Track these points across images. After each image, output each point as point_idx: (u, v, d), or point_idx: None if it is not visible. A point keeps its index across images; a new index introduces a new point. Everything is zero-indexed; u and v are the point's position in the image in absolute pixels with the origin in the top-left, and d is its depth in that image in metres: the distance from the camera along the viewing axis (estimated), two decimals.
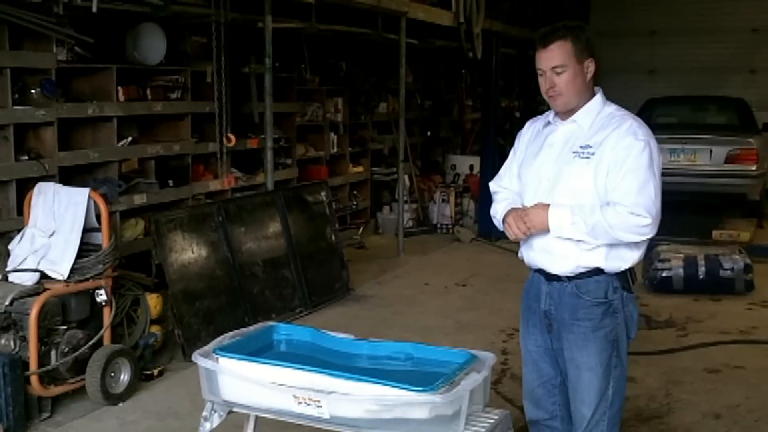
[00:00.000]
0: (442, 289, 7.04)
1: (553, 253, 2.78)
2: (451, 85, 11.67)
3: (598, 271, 2.75)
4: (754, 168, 9.59)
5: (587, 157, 2.69)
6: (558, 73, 2.71)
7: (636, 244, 2.74)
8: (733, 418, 4.29)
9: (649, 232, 2.67)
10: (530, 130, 2.97)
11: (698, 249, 7.13)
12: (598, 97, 2.80)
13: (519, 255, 3.00)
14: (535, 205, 2.76)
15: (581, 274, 2.75)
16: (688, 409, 4.40)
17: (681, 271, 6.76)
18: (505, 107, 11.23)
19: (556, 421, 2.95)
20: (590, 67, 2.76)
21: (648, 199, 2.64)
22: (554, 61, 2.71)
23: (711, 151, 9.65)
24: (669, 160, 9.59)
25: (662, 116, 10.90)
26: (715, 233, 8.68)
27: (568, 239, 2.71)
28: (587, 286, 2.75)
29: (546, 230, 2.72)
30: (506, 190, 3.02)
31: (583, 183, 2.69)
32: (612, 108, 2.80)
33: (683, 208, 8.41)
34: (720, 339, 5.63)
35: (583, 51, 2.74)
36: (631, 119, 2.74)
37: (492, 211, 3.02)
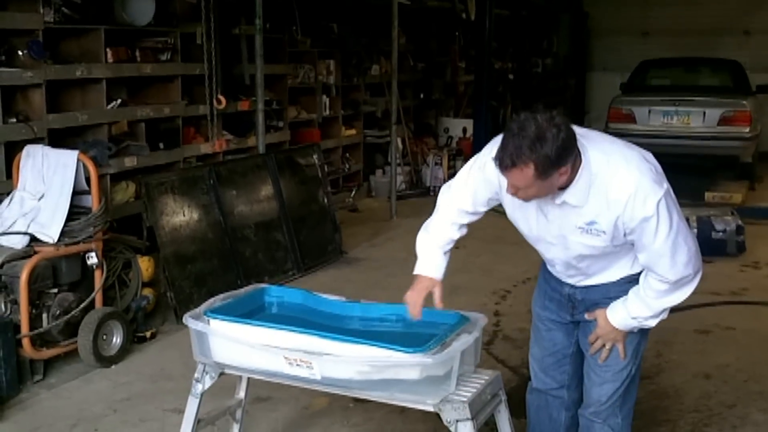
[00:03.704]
0: None
1: (583, 281, 2.70)
2: (444, 47, 11.55)
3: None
4: (747, 130, 9.58)
5: (597, 235, 2.46)
6: (522, 188, 2.37)
7: None
8: (723, 377, 4.33)
9: (698, 277, 2.54)
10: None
11: (690, 211, 7.14)
12: (584, 169, 2.38)
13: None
14: (598, 320, 2.63)
15: None
16: (678, 369, 4.44)
17: None
18: (499, 69, 11.15)
19: (562, 390, 2.90)
20: (563, 175, 2.34)
21: (683, 259, 2.45)
22: (513, 182, 2.36)
23: (704, 113, 9.62)
24: (662, 122, 9.58)
25: (656, 78, 10.86)
26: (708, 195, 8.70)
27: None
28: None
29: (623, 333, 2.63)
30: (453, 214, 2.69)
31: (599, 248, 2.51)
32: (599, 164, 2.38)
33: (676, 170, 8.36)
34: (711, 300, 5.65)
35: (549, 169, 2.29)
36: (632, 183, 2.35)
37: (421, 236, 2.71)
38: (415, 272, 2.73)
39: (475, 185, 2.65)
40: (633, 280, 2.61)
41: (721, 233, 6.84)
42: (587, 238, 2.48)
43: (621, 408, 2.76)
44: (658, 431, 3.72)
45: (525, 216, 2.59)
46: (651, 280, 2.52)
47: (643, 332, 2.71)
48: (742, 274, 6.42)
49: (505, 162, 2.31)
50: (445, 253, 2.72)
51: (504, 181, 2.45)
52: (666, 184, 2.42)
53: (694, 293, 5.90)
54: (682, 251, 2.43)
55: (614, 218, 2.41)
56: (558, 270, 2.73)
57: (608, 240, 2.46)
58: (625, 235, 2.44)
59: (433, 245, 2.72)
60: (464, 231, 2.77)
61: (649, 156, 2.49)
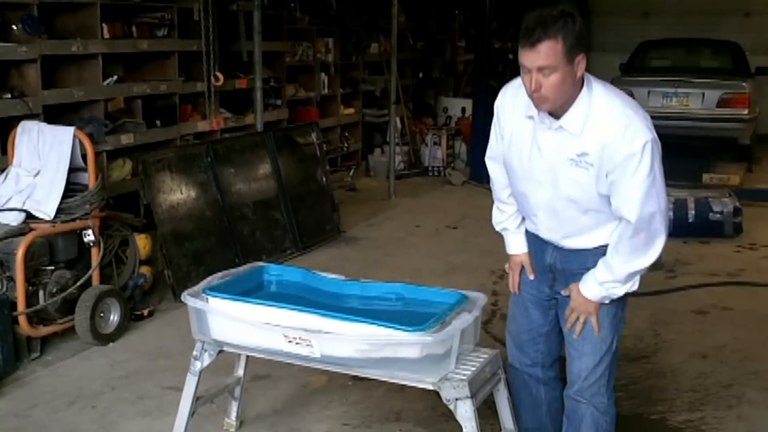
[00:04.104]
0: (433, 232, 7.05)
1: (562, 240, 2.70)
2: (443, 26, 11.47)
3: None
4: (746, 112, 9.56)
5: (586, 168, 2.48)
6: (545, 75, 2.38)
7: None
8: (719, 357, 4.34)
9: (660, 241, 2.55)
10: (514, 110, 2.62)
11: (688, 192, 7.15)
12: (584, 93, 2.48)
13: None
14: (572, 294, 2.67)
15: None
16: (675, 349, 4.44)
17: (671, 213, 6.73)
18: (499, 49, 11.07)
19: (536, 368, 2.91)
20: (581, 63, 2.41)
21: (649, 209, 2.48)
22: (541, 62, 2.37)
23: (703, 94, 9.59)
24: (661, 103, 9.54)
25: (655, 59, 10.80)
26: (706, 177, 8.70)
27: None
28: None
29: (595, 305, 2.65)
30: (505, 184, 2.83)
31: (586, 192, 2.53)
32: (600, 96, 2.48)
33: (674, 151, 8.38)
34: (708, 281, 5.68)
35: (574, 48, 2.36)
36: (625, 118, 2.43)
37: (495, 220, 2.93)
38: (507, 252, 2.93)
39: (493, 131, 2.78)
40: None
41: (718, 215, 6.86)
42: (576, 172, 2.50)
43: (607, 387, 2.75)
44: (654, 410, 3.73)
45: (519, 151, 2.62)
46: (617, 245, 2.54)
47: (620, 306, 2.71)
48: (738, 255, 6.44)
49: (534, 36, 2.35)
50: (518, 227, 2.88)
51: (506, 110, 2.64)
52: (655, 134, 2.45)
53: (692, 273, 5.89)
54: (652, 202, 2.46)
55: (602, 149, 2.44)
56: (540, 221, 2.71)
57: (593, 176, 2.48)
58: (607, 175, 2.46)
59: (505, 228, 2.90)
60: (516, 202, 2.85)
61: (646, 113, 2.53)
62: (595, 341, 2.69)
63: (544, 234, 2.72)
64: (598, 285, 2.59)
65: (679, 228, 6.84)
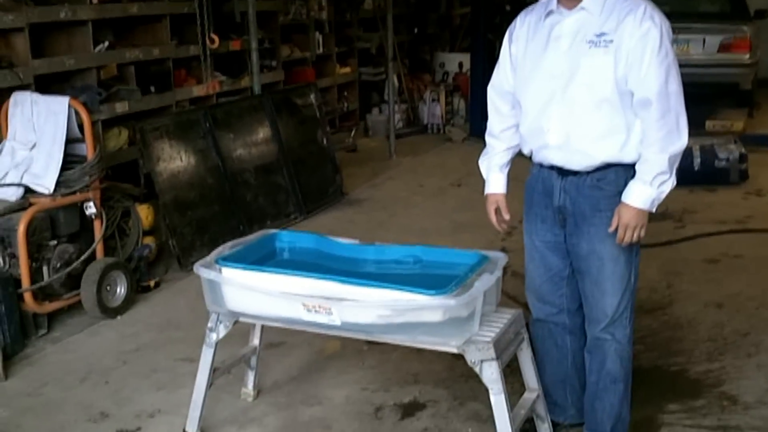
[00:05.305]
0: (437, 190, 6.97)
1: (572, 150, 2.65)
2: None
3: (616, 163, 2.64)
4: (747, 56, 9.42)
5: (606, 46, 2.54)
6: None
7: None
8: (735, 306, 4.30)
9: (685, 118, 2.59)
10: (525, 24, 2.76)
11: (693, 140, 6.99)
12: None
13: (526, 151, 2.86)
14: (619, 215, 2.60)
15: (600, 167, 2.65)
16: (690, 299, 4.40)
17: None
18: (495, 0, 10.85)
19: (562, 315, 2.89)
20: None
21: (674, 87, 2.55)
22: None
23: (704, 40, 9.43)
24: None
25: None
26: (709, 123, 8.61)
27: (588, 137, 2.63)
28: (607, 177, 2.64)
29: (646, 215, 2.60)
30: (501, 118, 2.90)
31: (603, 74, 2.56)
32: None
33: None
34: (717, 229, 5.63)
35: None
36: (643, 2, 2.57)
37: (482, 159, 2.99)
38: (485, 193, 2.99)
39: (503, 55, 2.84)
40: (619, 192, 2.61)
41: (724, 162, 6.82)
42: (595, 53, 2.55)
43: (629, 318, 2.78)
44: (674, 362, 3.69)
45: (534, 51, 2.69)
46: (648, 134, 2.55)
47: (637, 243, 2.69)
48: (745, 202, 6.39)
49: None
50: (501, 167, 2.95)
51: (520, 28, 2.75)
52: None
53: (700, 222, 5.82)
54: (673, 81, 2.53)
55: (621, 27, 2.52)
56: (552, 124, 2.66)
57: (612, 55, 2.53)
58: (627, 56, 2.51)
59: (490, 166, 2.96)
60: (511, 123, 2.87)
61: None
62: (615, 279, 2.70)
63: (554, 142, 2.66)
64: (648, 186, 2.55)
65: (684, 176, 6.63)
